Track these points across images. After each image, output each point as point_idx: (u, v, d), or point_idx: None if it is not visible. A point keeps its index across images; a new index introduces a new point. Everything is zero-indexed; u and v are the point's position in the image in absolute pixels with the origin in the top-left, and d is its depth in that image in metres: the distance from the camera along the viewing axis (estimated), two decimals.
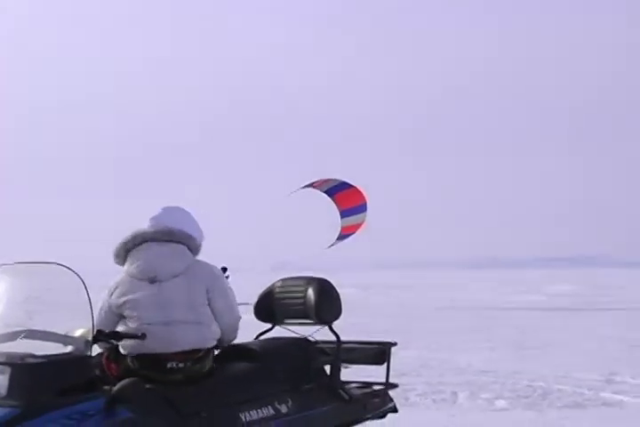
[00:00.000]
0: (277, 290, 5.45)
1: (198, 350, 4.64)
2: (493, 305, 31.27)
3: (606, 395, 10.22)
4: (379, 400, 5.51)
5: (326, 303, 5.25)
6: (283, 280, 5.51)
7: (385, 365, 5.60)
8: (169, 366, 4.57)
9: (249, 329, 5.33)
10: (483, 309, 29.14)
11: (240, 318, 4.99)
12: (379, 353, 5.63)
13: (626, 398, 9.96)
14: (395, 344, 5.65)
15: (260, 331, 5.58)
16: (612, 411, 9.34)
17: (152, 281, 4.68)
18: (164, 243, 4.79)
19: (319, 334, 5.41)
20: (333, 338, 5.28)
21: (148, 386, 4.35)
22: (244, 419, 4.57)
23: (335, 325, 5.33)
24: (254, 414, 4.62)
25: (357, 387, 5.51)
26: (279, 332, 5.44)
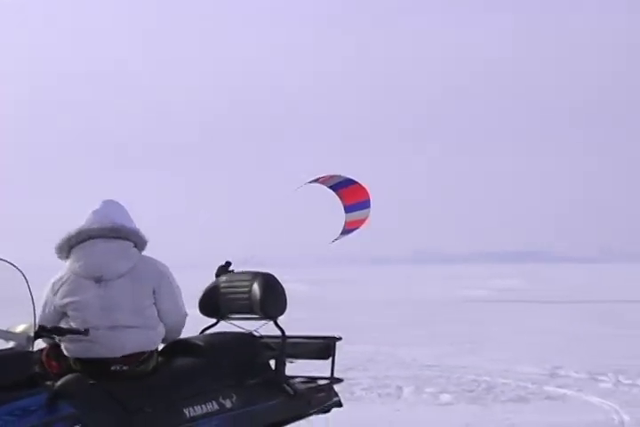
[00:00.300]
0: (222, 285, 5.42)
1: (143, 353, 4.61)
2: (439, 300, 31.45)
3: (550, 389, 10.33)
4: (323, 395, 5.50)
5: (271, 298, 5.23)
6: (228, 275, 5.49)
7: (330, 359, 5.60)
8: (113, 368, 4.53)
9: (194, 324, 5.31)
10: (428, 303, 29.30)
11: (186, 315, 4.96)
12: (324, 348, 5.62)
13: (569, 392, 10.07)
14: (340, 339, 5.64)
15: (205, 326, 5.55)
16: (555, 404, 9.44)
17: (98, 281, 4.59)
18: (111, 240, 4.71)
19: (264, 328, 5.40)
20: (278, 333, 5.27)
21: (91, 382, 4.32)
22: (188, 414, 4.54)
23: (280, 320, 5.31)
24: (198, 410, 4.60)
25: (302, 382, 5.49)
26: (224, 327, 5.42)
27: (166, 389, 4.54)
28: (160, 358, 4.78)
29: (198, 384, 4.70)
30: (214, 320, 5.55)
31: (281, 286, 5.36)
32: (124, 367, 4.53)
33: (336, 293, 38.99)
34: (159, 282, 4.74)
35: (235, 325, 5.40)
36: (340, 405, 5.64)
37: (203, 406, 4.64)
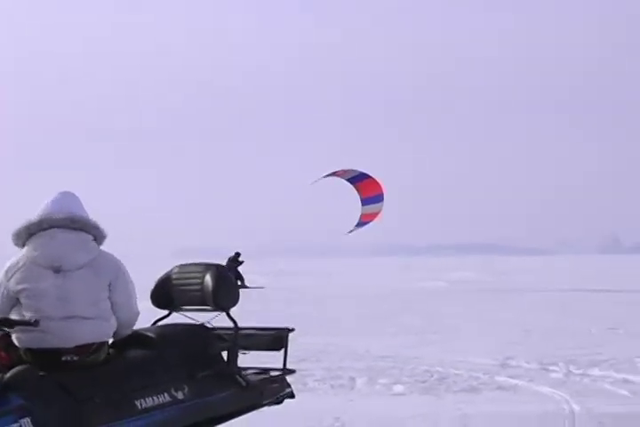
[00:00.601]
0: (175, 276, 5.42)
1: (94, 344, 4.61)
2: (394, 292, 31.56)
3: (501, 379, 10.43)
4: (276, 386, 5.53)
5: (223, 290, 5.25)
6: (180, 266, 5.49)
7: (283, 351, 5.63)
8: (64, 359, 4.53)
9: (146, 316, 5.31)
10: (384, 295, 29.39)
11: (138, 314, 4.98)
12: (276, 339, 5.65)
13: (520, 382, 10.16)
14: (292, 330, 5.68)
15: (157, 317, 5.55)
16: (506, 394, 9.52)
17: (56, 270, 4.59)
18: (72, 231, 4.71)
19: (217, 320, 5.41)
20: (231, 324, 5.29)
21: (41, 373, 4.31)
22: (139, 405, 4.55)
23: (233, 311, 5.33)
24: (150, 401, 4.61)
25: (255, 373, 5.53)
26: (176, 318, 5.43)
27: (117, 380, 4.55)
28: (112, 350, 4.79)
29: (150, 376, 4.71)
30: (166, 312, 5.56)
31: (233, 278, 5.38)
32: (75, 358, 4.53)
33: (291, 284, 39.00)
34: (116, 276, 4.76)
35: (187, 316, 5.41)
36: (292, 396, 5.68)
37: (154, 397, 4.64)
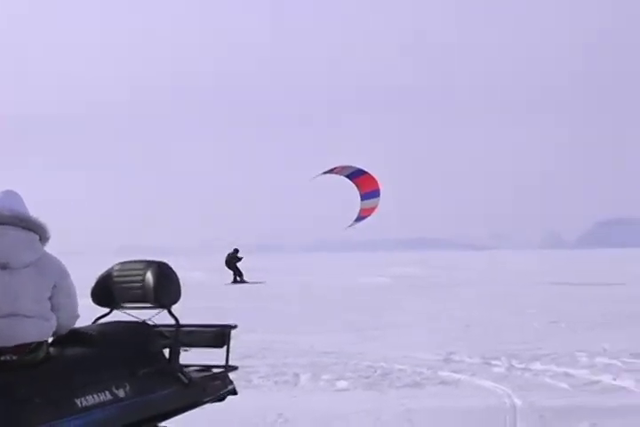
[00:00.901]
0: (116, 273, 5.37)
1: (32, 342, 4.56)
2: (338, 288, 31.63)
3: (444, 374, 10.50)
4: (218, 383, 5.51)
5: (165, 287, 5.21)
6: (121, 264, 5.44)
7: (225, 347, 5.61)
8: (2, 358, 4.48)
9: (87, 313, 5.26)
10: (327, 291, 29.45)
11: (78, 317, 4.95)
12: (218, 336, 5.62)
13: (463, 377, 10.24)
14: (234, 327, 5.65)
15: (98, 315, 5.50)
16: (449, 389, 9.59)
17: (3, 267, 4.56)
18: (20, 229, 4.69)
19: (159, 317, 5.38)
20: (173, 322, 5.26)
21: None
22: (80, 404, 4.50)
23: (177, 309, 5.30)
24: (91, 399, 4.56)
25: (197, 370, 5.50)
26: (118, 316, 5.38)
27: (57, 378, 4.50)
28: (52, 349, 4.74)
29: (90, 374, 4.66)
30: (107, 310, 5.51)
31: (175, 275, 5.34)
32: (14, 357, 4.48)
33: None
34: (60, 277, 4.77)
35: (128, 314, 5.37)
36: (234, 393, 5.66)
37: (95, 395, 4.60)
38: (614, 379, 9.93)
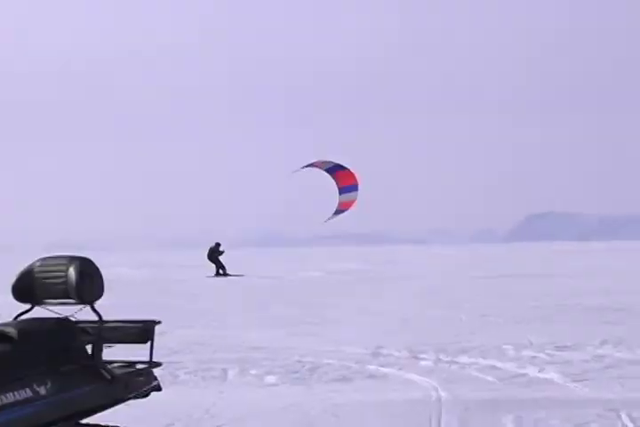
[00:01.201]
0: (37, 269, 5.32)
1: None
2: (270, 283, 31.64)
3: (372, 368, 10.57)
4: (142, 379, 5.49)
5: (88, 283, 5.18)
6: (43, 259, 5.39)
7: (149, 343, 5.59)
8: None
9: (7, 310, 5.21)
10: (260, 286, 29.45)
11: None
12: (142, 332, 5.60)
13: (390, 371, 10.32)
14: (159, 323, 5.63)
15: (19, 311, 5.45)
16: (376, 383, 9.66)
17: None
18: None
19: (82, 313, 5.34)
20: (96, 318, 5.23)
21: None
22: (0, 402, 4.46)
23: (104, 305, 5.28)
24: (11, 397, 4.52)
25: (120, 366, 5.47)
26: (39, 312, 5.34)
27: None
28: None
29: (11, 372, 4.62)
30: (29, 306, 5.46)
31: (98, 271, 5.31)
32: None
33: (164, 277, 38.68)
34: None
35: (50, 310, 5.33)
36: (159, 389, 5.65)
37: (16, 393, 4.56)
38: (540, 371, 10.09)
